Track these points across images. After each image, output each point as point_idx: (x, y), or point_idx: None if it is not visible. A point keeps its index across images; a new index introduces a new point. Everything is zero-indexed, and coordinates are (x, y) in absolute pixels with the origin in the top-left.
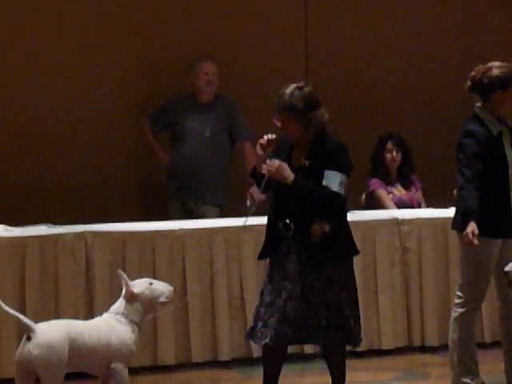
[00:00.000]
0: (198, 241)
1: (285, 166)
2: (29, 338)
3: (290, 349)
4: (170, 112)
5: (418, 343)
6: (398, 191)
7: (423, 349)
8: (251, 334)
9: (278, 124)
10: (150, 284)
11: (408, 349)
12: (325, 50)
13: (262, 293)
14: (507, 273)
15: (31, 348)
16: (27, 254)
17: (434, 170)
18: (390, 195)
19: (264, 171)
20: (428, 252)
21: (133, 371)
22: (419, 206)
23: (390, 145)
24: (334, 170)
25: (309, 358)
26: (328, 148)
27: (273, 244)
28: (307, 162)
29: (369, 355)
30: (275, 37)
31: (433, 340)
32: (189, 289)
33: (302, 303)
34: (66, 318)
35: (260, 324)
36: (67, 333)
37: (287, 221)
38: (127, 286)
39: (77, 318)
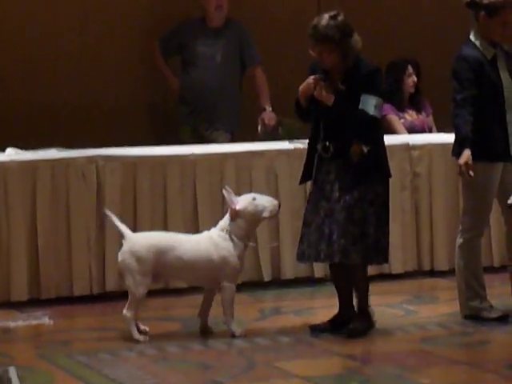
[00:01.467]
0: (209, 166)
1: (326, 88)
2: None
3: (301, 273)
4: (180, 36)
5: (427, 267)
6: (410, 116)
7: (432, 273)
8: (299, 256)
9: (314, 55)
10: (253, 199)
11: (417, 273)
12: None
13: (304, 214)
14: (510, 206)
15: (119, 254)
16: (38, 178)
17: (445, 96)
18: (402, 120)
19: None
20: (438, 177)
21: None
22: (430, 131)
23: (410, 69)
24: (369, 94)
25: (319, 281)
26: (363, 73)
27: (313, 166)
28: (343, 88)
29: (378, 279)
30: None
31: (442, 264)
32: (200, 213)
33: (334, 220)
34: (77, 240)
35: (305, 244)
36: (156, 244)
37: (327, 143)
38: (230, 204)
39: (88, 240)
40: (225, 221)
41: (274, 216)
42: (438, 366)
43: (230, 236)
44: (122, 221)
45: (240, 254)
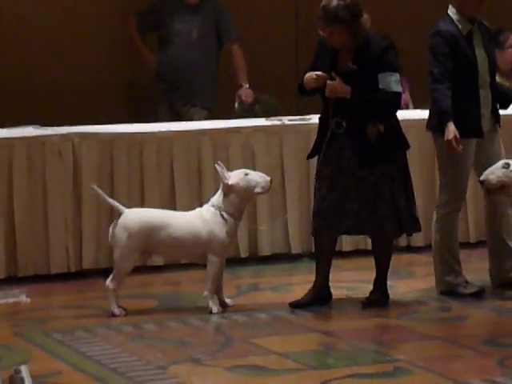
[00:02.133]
0: (186, 143)
1: (338, 83)
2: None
3: (278, 249)
4: (156, 12)
5: (403, 243)
6: None
7: (409, 248)
8: (315, 230)
9: (323, 35)
10: (246, 175)
11: (394, 249)
12: None
13: (315, 189)
14: (482, 182)
15: (112, 227)
16: (14, 156)
17: (421, 72)
18: None
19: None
20: (414, 152)
21: None
22: (407, 107)
23: None
24: (386, 72)
25: (296, 257)
26: (375, 50)
27: (324, 142)
28: (355, 67)
29: (355, 255)
30: None
31: (418, 240)
32: (177, 190)
33: (360, 195)
34: (54, 217)
35: (321, 218)
36: (150, 221)
37: (339, 119)
38: (223, 178)
39: (65, 217)
40: (217, 196)
41: (266, 192)
42: (414, 341)
43: (220, 212)
44: (99, 198)
45: (229, 230)
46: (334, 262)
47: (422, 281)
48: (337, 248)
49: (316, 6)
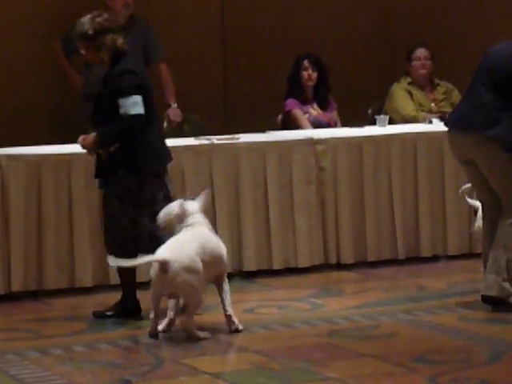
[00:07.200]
0: None
1: (87, 140)
2: None
3: None
4: None
5: (333, 261)
6: (315, 110)
7: (339, 266)
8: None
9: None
10: None
11: (324, 266)
12: None
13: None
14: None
15: None
16: None
17: (349, 90)
18: (306, 115)
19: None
20: (343, 171)
21: (49, 293)
22: (335, 126)
23: (306, 63)
24: (124, 96)
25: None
26: (113, 75)
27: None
28: (102, 90)
29: (285, 273)
30: None
31: (348, 257)
32: None
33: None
34: None
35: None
36: None
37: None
38: None
39: None
40: None
41: None
42: (345, 359)
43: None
44: (27, 218)
45: None
46: (265, 280)
47: (352, 298)
48: (267, 266)
49: (244, 26)
